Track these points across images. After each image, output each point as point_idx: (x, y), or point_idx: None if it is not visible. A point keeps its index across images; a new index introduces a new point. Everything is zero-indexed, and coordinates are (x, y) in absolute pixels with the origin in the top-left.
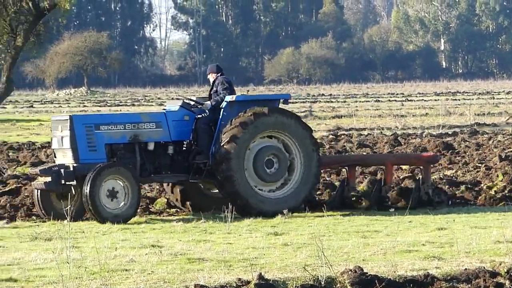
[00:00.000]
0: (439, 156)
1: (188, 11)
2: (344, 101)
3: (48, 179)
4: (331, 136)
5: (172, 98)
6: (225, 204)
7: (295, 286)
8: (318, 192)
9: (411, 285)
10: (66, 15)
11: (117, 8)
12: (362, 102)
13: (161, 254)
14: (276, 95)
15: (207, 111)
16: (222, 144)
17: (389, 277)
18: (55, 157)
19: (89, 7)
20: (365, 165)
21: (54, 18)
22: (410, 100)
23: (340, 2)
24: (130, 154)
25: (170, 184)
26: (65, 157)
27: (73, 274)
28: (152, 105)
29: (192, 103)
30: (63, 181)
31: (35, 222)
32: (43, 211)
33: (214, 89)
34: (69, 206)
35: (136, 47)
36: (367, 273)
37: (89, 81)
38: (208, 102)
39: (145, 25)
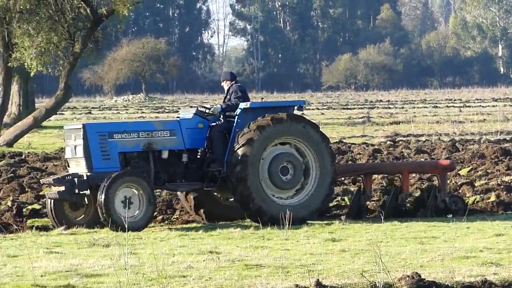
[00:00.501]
0: (455, 163)
1: (246, 17)
2: (402, 107)
3: (62, 188)
4: (389, 142)
5: (185, 106)
6: (238, 213)
7: None
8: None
9: None
10: (124, 22)
11: (175, 15)
12: (420, 108)
13: (218, 261)
14: (291, 101)
15: (221, 118)
16: (238, 147)
17: (446, 283)
18: (68, 166)
19: (147, 14)
20: (381, 173)
21: (112, 25)
22: (468, 106)
23: (398, 8)
24: (144, 162)
25: (184, 192)
26: (78, 166)
27: (131, 281)
28: None
29: (206, 111)
30: (76, 190)
31: (93, 229)
32: (55, 220)
33: (228, 97)
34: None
35: (194, 53)
36: (424, 279)
37: (147, 88)
38: (218, 106)
39: (203, 32)
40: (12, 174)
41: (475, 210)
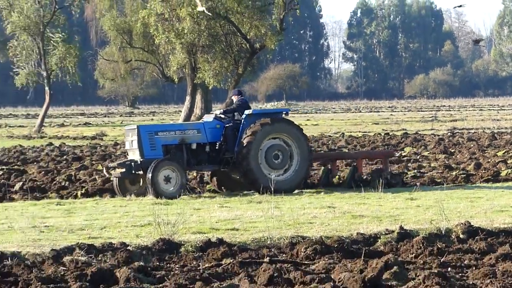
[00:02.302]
0: (394, 152)
1: (353, 50)
2: (458, 110)
3: (123, 170)
4: (449, 134)
5: (206, 114)
6: (244, 186)
7: (424, 234)
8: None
9: (503, 233)
10: (272, 53)
11: (306, 48)
12: (470, 110)
13: (334, 212)
14: (280, 109)
15: (230, 121)
16: (245, 137)
17: (488, 228)
18: (127, 155)
19: (287, 47)
20: (343, 159)
21: (263, 54)
22: (504, 109)
23: (456, 43)
24: (179, 152)
25: (209, 173)
26: (134, 155)
27: (276, 225)
28: (328, 112)
29: (223, 116)
30: (133, 171)
31: (251, 191)
32: (120, 192)
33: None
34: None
35: (318, 74)
36: (473, 225)
37: (287, 97)
38: (220, 110)
39: (324, 59)
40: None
41: (508, 179)
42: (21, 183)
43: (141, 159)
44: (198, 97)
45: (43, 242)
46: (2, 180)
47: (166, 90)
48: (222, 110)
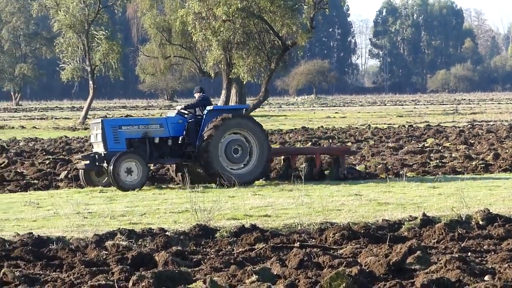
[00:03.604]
0: (351, 148)
1: (379, 46)
2: (478, 103)
3: (87, 162)
4: (469, 126)
5: (169, 109)
6: (206, 178)
7: (446, 221)
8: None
9: None
10: (302, 49)
11: (334, 45)
12: (489, 104)
13: (361, 200)
14: (240, 105)
15: (193, 116)
16: (206, 131)
17: (506, 215)
18: (92, 147)
19: (317, 44)
20: (302, 154)
21: (294, 51)
22: None
23: (476, 41)
24: (143, 145)
25: (172, 165)
26: (98, 147)
27: (306, 212)
28: (355, 106)
29: (185, 111)
30: (97, 163)
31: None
32: (85, 183)
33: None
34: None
35: (346, 69)
36: (492, 212)
37: (316, 91)
38: (181, 106)
39: (352, 55)
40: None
41: None
42: (66, 172)
43: (105, 152)
44: (233, 91)
45: (87, 227)
46: (49, 169)
47: (203, 84)
48: (183, 106)
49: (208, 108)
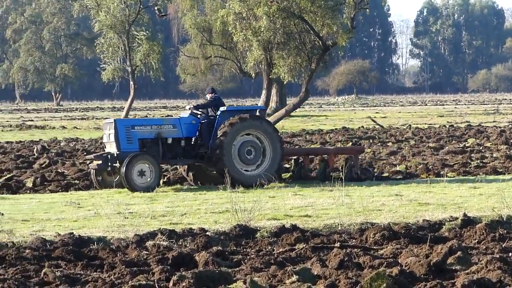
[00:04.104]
0: (364, 148)
1: (420, 46)
2: None
3: (100, 162)
4: (510, 126)
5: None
6: (218, 180)
7: (487, 221)
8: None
9: None
10: (343, 49)
11: (375, 45)
12: None
13: (401, 200)
14: (255, 106)
15: (206, 117)
16: (217, 137)
17: None
18: (105, 147)
19: (357, 44)
20: (315, 155)
21: (335, 51)
22: None
23: None
24: (155, 145)
25: (186, 169)
26: (111, 148)
27: (346, 212)
28: (396, 106)
29: (198, 112)
30: (109, 163)
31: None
32: (97, 183)
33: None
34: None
35: (386, 69)
36: None
37: (357, 91)
38: (192, 105)
39: (392, 55)
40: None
41: None
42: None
43: (118, 152)
44: (274, 91)
45: (127, 227)
46: (89, 169)
47: (243, 84)
48: (194, 105)
49: (222, 108)
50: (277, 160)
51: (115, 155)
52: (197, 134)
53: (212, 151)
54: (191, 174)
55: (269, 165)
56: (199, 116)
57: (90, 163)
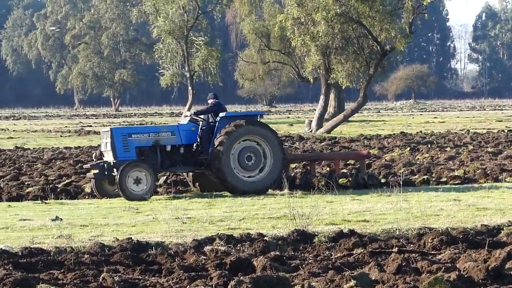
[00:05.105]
0: (370, 153)
1: (478, 51)
2: None
3: (96, 171)
4: None
5: (183, 116)
6: (217, 186)
7: None
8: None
9: None
10: (401, 54)
11: (433, 49)
12: None
13: (459, 205)
14: (254, 112)
15: (206, 123)
16: (215, 148)
17: None
18: (103, 156)
19: (416, 49)
20: (322, 160)
21: (393, 56)
22: None
23: None
24: (153, 153)
25: (189, 173)
26: (108, 156)
27: (404, 217)
28: (454, 111)
29: (198, 118)
30: (106, 172)
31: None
32: (98, 193)
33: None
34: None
35: (445, 74)
36: None
37: (415, 96)
38: (190, 112)
39: (451, 60)
40: (329, 151)
41: None
42: (165, 177)
43: (114, 161)
44: (332, 96)
45: (185, 232)
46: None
47: (301, 90)
48: (194, 112)
49: (221, 114)
50: (278, 165)
51: (112, 163)
52: (198, 140)
53: (210, 160)
54: (197, 184)
55: (270, 170)
56: (198, 122)
57: (87, 172)
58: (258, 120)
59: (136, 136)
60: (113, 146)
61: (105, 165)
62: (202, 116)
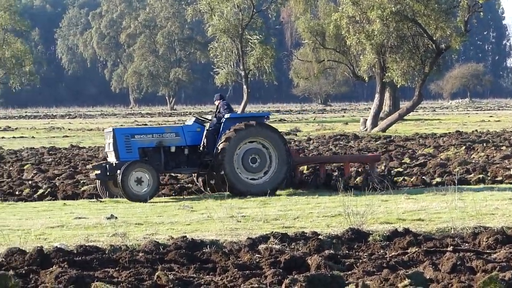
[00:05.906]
0: (380, 156)
1: None
2: None
3: (98, 172)
4: None
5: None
6: (223, 187)
7: None
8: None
9: None
10: (457, 52)
11: (489, 48)
12: None
13: None
14: (261, 113)
15: (213, 124)
16: (218, 150)
17: None
18: (107, 156)
19: (471, 48)
20: (331, 163)
21: (448, 54)
22: None
23: None
24: (157, 154)
25: (196, 174)
26: (111, 157)
27: (459, 216)
28: (510, 109)
29: (204, 119)
30: (108, 173)
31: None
32: (102, 193)
33: (218, 110)
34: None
35: (501, 72)
36: None
37: (470, 94)
38: (215, 119)
39: (507, 58)
40: (384, 149)
41: None
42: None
43: (117, 162)
44: (387, 95)
45: (240, 231)
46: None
47: (356, 88)
48: (217, 117)
49: (226, 116)
50: (283, 168)
51: (114, 164)
52: (202, 141)
53: (214, 159)
54: (200, 180)
55: (275, 173)
56: (204, 123)
57: (90, 173)
58: (260, 121)
59: (139, 137)
60: (116, 146)
61: (107, 166)
62: (209, 117)
